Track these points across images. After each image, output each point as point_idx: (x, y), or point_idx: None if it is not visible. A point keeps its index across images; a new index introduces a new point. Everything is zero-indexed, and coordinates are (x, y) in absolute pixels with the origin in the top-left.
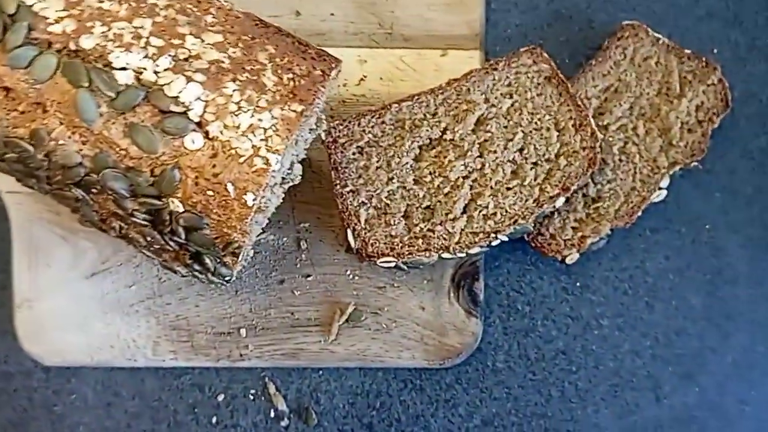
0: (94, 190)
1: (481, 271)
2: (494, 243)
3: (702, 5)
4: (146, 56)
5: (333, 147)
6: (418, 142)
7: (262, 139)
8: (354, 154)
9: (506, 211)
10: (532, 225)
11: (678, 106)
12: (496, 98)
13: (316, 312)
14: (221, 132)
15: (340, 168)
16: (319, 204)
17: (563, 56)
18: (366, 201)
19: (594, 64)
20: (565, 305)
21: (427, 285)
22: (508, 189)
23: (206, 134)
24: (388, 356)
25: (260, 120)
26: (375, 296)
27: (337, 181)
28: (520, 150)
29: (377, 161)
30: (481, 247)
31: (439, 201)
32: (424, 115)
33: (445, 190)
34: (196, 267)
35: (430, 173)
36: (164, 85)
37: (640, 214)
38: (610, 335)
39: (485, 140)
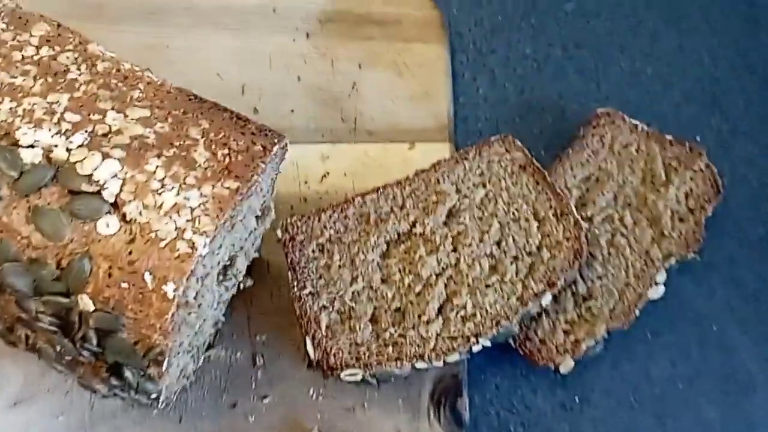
0: None
1: (464, 385)
2: (476, 348)
3: (677, 91)
4: (58, 133)
5: (290, 245)
6: (385, 237)
7: (188, 220)
8: (314, 252)
9: (487, 311)
10: (518, 327)
11: (665, 193)
12: (468, 188)
13: None
14: (140, 213)
15: (298, 268)
16: (278, 314)
17: (538, 148)
18: (327, 305)
19: (571, 153)
20: (565, 424)
21: (402, 404)
22: (488, 286)
23: (123, 217)
24: None
25: (187, 198)
26: (342, 419)
27: (295, 283)
28: (498, 243)
29: (340, 259)
30: (461, 353)
31: (411, 302)
32: (391, 207)
33: (417, 290)
34: (116, 382)
35: (400, 271)
36: (76, 162)
37: (637, 313)
38: None
39: (459, 233)
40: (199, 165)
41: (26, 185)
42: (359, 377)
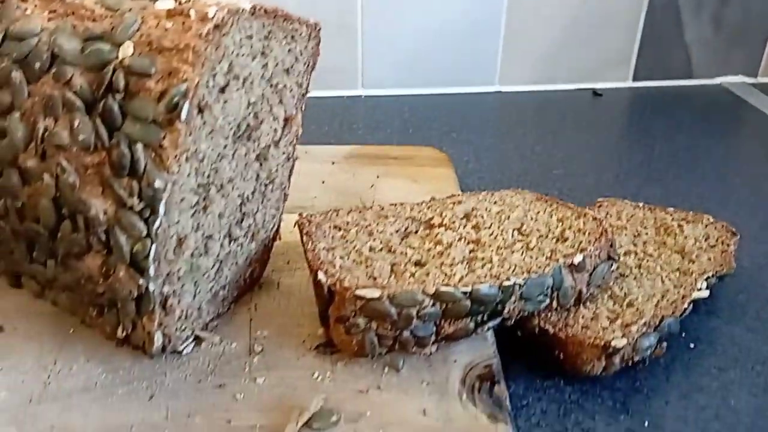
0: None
1: (499, 376)
2: (508, 284)
3: None
4: None
5: (307, 222)
6: (403, 224)
7: None
8: (330, 228)
9: (516, 266)
10: (552, 280)
11: (682, 234)
12: (484, 206)
13: (265, 419)
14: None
15: (313, 235)
16: (284, 316)
17: None
18: (343, 255)
19: None
20: None
21: (427, 387)
22: (513, 252)
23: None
24: None
25: None
26: (353, 400)
27: (309, 243)
28: (519, 229)
29: (357, 232)
30: (491, 286)
31: (432, 256)
32: (408, 212)
33: (438, 250)
34: (122, 187)
35: (419, 242)
36: None
37: (687, 305)
38: None
39: (477, 223)
40: None
41: None
42: (377, 294)
